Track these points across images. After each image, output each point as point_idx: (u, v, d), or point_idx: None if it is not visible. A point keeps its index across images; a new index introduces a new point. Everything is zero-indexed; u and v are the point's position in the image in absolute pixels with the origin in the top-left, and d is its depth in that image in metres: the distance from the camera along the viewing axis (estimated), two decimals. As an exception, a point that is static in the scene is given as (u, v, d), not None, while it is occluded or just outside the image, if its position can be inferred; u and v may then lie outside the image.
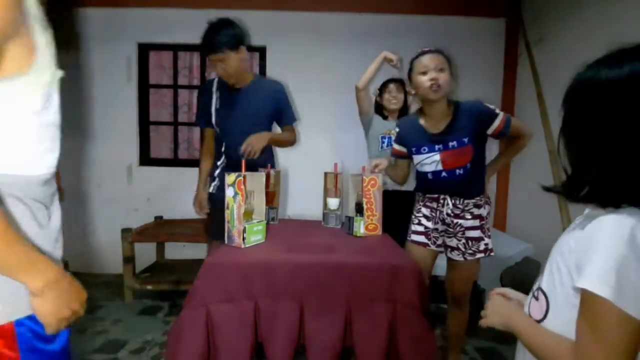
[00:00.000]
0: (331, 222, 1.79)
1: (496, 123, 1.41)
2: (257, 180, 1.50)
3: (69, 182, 2.97)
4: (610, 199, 0.56)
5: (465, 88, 2.87)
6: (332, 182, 1.79)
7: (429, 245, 1.59)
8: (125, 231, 2.43)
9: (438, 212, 1.55)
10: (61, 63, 0.62)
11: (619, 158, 0.53)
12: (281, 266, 1.19)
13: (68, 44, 2.89)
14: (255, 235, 1.40)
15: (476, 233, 1.49)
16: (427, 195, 1.59)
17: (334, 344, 1.15)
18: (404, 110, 2.27)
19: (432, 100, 1.43)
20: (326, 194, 1.81)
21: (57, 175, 0.69)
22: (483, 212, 1.50)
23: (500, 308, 0.75)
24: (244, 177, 1.32)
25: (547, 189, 0.64)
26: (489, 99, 1.54)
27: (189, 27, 2.90)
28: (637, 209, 0.53)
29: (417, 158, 1.55)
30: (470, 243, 1.50)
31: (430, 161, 1.50)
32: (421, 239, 1.60)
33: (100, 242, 2.96)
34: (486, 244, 1.50)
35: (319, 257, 1.26)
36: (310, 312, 1.17)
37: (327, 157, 2.51)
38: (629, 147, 0.52)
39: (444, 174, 1.49)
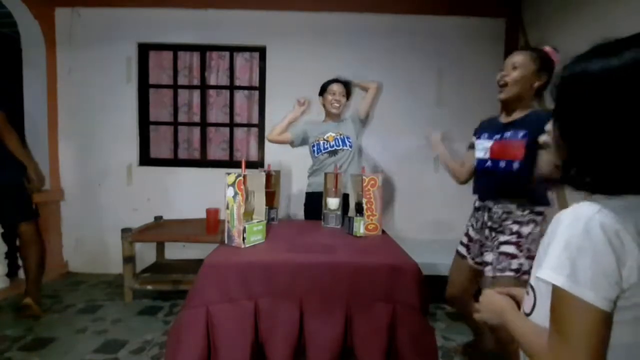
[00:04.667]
0: (331, 222, 1.79)
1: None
2: (257, 180, 1.50)
3: (69, 182, 2.98)
4: (598, 187, 0.57)
5: (465, 88, 2.88)
6: (332, 182, 1.79)
7: (466, 258, 1.57)
8: (125, 231, 2.43)
9: (480, 222, 1.50)
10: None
11: (604, 147, 0.54)
12: (281, 266, 1.19)
13: (68, 44, 2.89)
14: (255, 235, 1.40)
15: (510, 248, 1.35)
16: (476, 203, 1.56)
17: (334, 344, 1.15)
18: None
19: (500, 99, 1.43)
20: (326, 194, 1.81)
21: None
22: (524, 230, 1.34)
23: (493, 304, 0.76)
24: (244, 177, 1.32)
25: (541, 180, 0.65)
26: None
27: (189, 27, 2.92)
28: (611, 197, 0.55)
29: (476, 145, 1.53)
30: (501, 258, 1.36)
31: (482, 147, 1.47)
32: (462, 250, 1.59)
33: (100, 242, 2.96)
34: (520, 264, 1.32)
35: (319, 257, 1.26)
36: (310, 312, 1.17)
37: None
38: (613, 136, 0.53)
39: (488, 163, 1.44)
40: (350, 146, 2.16)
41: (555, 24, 2.36)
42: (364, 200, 1.56)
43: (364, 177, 1.55)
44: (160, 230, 2.68)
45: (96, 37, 2.90)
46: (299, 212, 2.93)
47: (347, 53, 2.89)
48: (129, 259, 2.43)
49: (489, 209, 1.45)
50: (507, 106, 1.43)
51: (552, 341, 0.55)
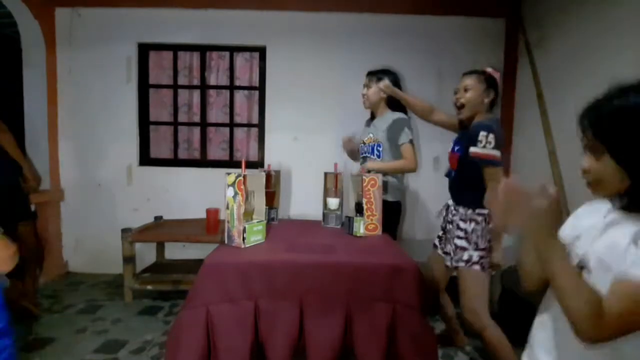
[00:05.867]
0: (331, 222, 1.79)
1: (471, 149, 1.47)
2: (257, 180, 1.50)
3: (69, 182, 2.98)
4: None
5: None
6: (332, 182, 1.79)
7: (437, 248, 1.76)
8: (125, 231, 2.43)
9: (445, 219, 1.73)
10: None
11: None
12: (281, 266, 1.20)
13: (68, 44, 2.89)
14: (255, 235, 1.40)
15: (462, 242, 1.56)
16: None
17: (334, 344, 1.15)
18: (394, 102, 1.92)
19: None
20: (326, 194, 1.81)
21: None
22: (468, 227, 1.55)
23: (531, 211, 0.54)
24: (244, 177, 1.32)
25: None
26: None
27: (189, 27, 2.92)
28: None
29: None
30: (456, 250, 1.57)
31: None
32: (436, 241, 1.79)
33: (100, 242, 2.96)
34: (470, 256, 1.53)
35: (319, 257, 1.26)
36: (310, 312, 1.17)
37: (327, 157, 2.51)
38: None
39: (450, 169, 1.71)
40: (379, 156, 1.87)
41: (555, 24, 2.36)
42: (364, 200, 1.56)
43: (364, 177, 1.55)
44: (160, 230, 2.68)
45: (96, 37, 2.90)
46: (299, 212, 2.94)
47: (346, 53, 2.89)
48: (129, 259, 2.43)
49: (448, 206, 1.71)
50: (467, 122, 1.62)
51: (609, 318, 0.55)
